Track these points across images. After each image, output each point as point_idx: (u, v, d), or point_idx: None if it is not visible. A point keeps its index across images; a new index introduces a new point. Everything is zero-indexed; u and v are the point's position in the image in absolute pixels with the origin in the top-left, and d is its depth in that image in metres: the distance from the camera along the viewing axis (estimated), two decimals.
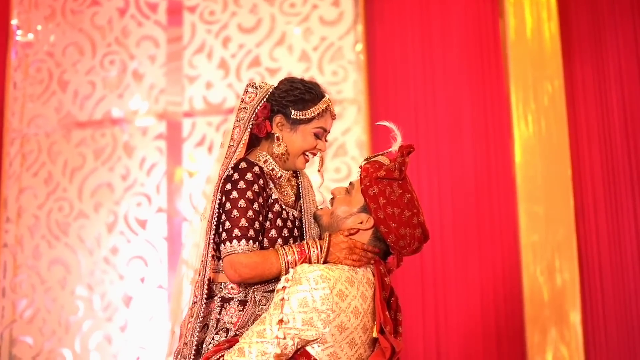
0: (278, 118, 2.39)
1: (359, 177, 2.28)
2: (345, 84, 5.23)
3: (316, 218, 2.37)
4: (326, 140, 2.47)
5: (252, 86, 2.43)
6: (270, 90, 2.44)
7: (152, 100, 5.43)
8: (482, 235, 5.00)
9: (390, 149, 2.34)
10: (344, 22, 5.26)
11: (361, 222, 2.24)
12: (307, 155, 2.46)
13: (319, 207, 2.52)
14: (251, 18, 5.35)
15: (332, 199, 2.34)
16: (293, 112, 2.38)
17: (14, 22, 5.63)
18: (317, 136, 2.42)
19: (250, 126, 2.38)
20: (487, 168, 5.11)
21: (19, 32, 5.63)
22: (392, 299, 2.28)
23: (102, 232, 5.35)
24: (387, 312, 2.17)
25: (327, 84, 5.23)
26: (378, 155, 2.34)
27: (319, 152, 2.48)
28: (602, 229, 4.95)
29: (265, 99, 2.41)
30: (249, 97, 2.41)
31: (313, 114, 2.38)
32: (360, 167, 2.32)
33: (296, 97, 2.39)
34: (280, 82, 2.47)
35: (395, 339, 2.16)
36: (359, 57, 5.21)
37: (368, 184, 2.23)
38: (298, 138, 2.40)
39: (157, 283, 5.24)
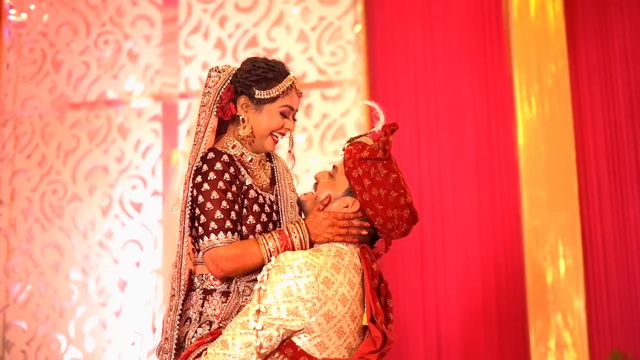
0: (242, 99, 2.34)
1: (343, 160, 2.21)
2: (344, 64, 5.13)
3: (300, 204, 2.31)
4: (294, 120, 2.41)
5: (215, 70, 2.38)
6: (234, 72, 2.37)
7: (147, 81, 5.33)
8: (484, 220, 4.92)
9: (373, 129, 2.25)
10: (342, 2, 5.14)
11: (346, 206, 2.17)
12: (276, 136, 2.37)
13: (294, 190, 2.47)
14: None
15: (316, 183, 2.27)
16: (257, 91, 2.32)
17: (6, 1, 5.52)
18: (283, 115, 2.35)
19: (215, 110, 2.32)
20: (489, 151, 5.01)
21: (11, 11, 5.52)
22: (382, 285, 2.19)
23: (96, 216, 5.26)
24: (377, 302, 2.10)
25: (326, 64, 5.13)
26: (361, 136, 2.27)
27: (288, 132, 2.40)
28: (606, 213, 4.86)
29: (228, 81, 2.35)
30: (212, 81, 2.35)
31: (277, 92, 2.32)
32: (343, 149, 2.25)
33: (259, 76, 2.32)
34: (243, 63, 2.40)
35: (387, 329, 2.09)
36: (358, 38, 5.10)
37: (352, 165, 2.16)
38: (264, 118, 2.33)
39: (152, 267, 5.15)
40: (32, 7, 5.51)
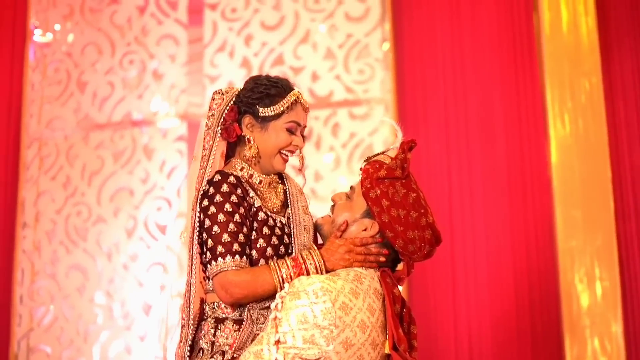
0: (247, 119, 2.28)
1: (360, 180, 2.14)
2: (372, 82, 5.04)
3: (317, 227, 2.24)
4: (303, 136, 2.33)
5: (219, 92, 2.34)
6: (237, 93, 2.32)
7: (173, 100, 5.28)
8: (516, 241, 4.79)
9: (392, 147, 2.18)
10: (370, 19, 5.06)
11: (365, 229, 2.09)
12: (285, 154, 2.31)
13: (308, 212, 2.38)
14: (274, 15, 5.16)
15: (333, 205, 2.20)
16: (261, 109, 2.26)
17: (31, 21, 5.50)
18: (290, 132, 2.28)
19: (219, 132, 2.27)
20: (522, 170, 4.88)
21: (37, 31, 5.50)
22: (404, 310, 2.10)
23: (121, 238, 5.19)
24: (400, 329, 2.02)
25: (353, 82, 5.05)
26: (379, 154, 2.19)
27: (297, 150, 2.32)
28: None
29: (232, 102, 2.29)
30: (216, 104, 2.31)
31: (282, 108, 2.26)
32: (361, 169, 2.18)
33: (262, 94, 2.27)
34: (246, 82, 2.35)
35: (411, 357, 2.00)
36: (386, 55, 5.01)
37: (369, 185, 2.09)
38: (270, 136, 2.27)
39: (176, 290, 5.07)
40: (57, 27, 5.49)
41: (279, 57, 5.14)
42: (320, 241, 2.32)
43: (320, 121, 5.00)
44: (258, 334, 2.09)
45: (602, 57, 4.82)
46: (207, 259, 2.13)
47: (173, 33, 5.32)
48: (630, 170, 4.79)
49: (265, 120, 2.26)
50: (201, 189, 2.19)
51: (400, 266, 2.17)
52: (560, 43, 4.88)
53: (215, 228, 2.11)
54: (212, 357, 2.13)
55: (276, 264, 2.11)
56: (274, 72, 5.07)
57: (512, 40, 4.95)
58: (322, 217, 2.25)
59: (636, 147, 4.77)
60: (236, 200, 2.15)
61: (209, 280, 2.19)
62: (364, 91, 5.05)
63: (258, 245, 2.17)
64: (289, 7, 5.16)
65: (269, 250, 2.18)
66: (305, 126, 2.34)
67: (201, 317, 2.20)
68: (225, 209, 2.13)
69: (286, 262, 2.10)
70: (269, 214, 2.23)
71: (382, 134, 4.99)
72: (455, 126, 4.97)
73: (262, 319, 2.15)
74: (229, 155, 2.33)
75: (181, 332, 2.20)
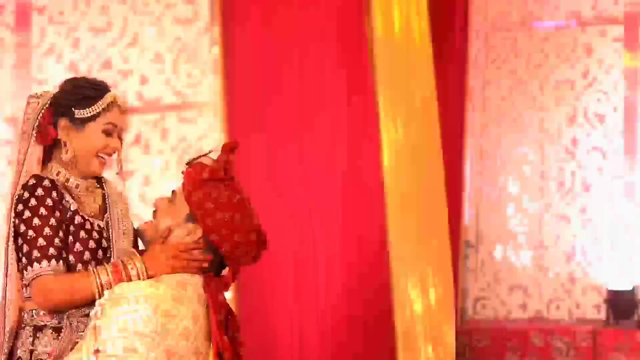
0: (63, 122, 2.21)
1: (181, 184, 2.10)
2: (200, 86, 5.08)
3: (139, 233, 2.20)
4: (121, 139, 2.30)
5: (34, 96, 2.27)
6: (53, 95, 2.26)
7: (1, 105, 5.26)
8: (349, 247, 4.77)
9: (210, 150, 2.17)
10: (199, 23, 5.09)
11: (188, 234, 2.05)
12: (102, 157, 2.26)
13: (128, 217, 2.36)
14: (102, 18, 5.17)
15: (155, 211, 2.15)
16: (77, 111, 2.20)
17: None
18: (107, 133, 2.25)
19: (34, 136, 2.22)
20: (355, 174, 4.87)
21: None
22: (229, 317, 2.06)
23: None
24: (224, 337, 1.98)
25: (183, 86, 5.09)
26: (200, 156, 2.15)
27: (115, 153, 2.29)
28: None
29: (47, 105, 2.23)
30: (32, 108, 2.24)
31: (98, 110, 2.21)
32: (182, 172, 2.13)
33: (79, 96, 2.21)
34: (62, 84, 2.30)
35: None
36: (216, 59, 5.02)
37: (190, 188, 2.04)
38: (87, 139, 2.22)
39: None
40: None
41: (107, 60, 5.14)
42: (142, 247, 2.29)
43: (149, 125, 5.01)
44: (78, 342, 2.05)
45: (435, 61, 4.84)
46: (23, 265, 2.09)
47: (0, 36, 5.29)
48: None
49: (82, 122, 2.22)
50: (16, 193, 2.16)
51: (225, 271, 2.15)
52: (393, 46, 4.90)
53: (30, 232, 2.08)
54: None
55: (95, 270, 2.09)
56: (101, 75, 5.02)
57: (344, 42, 4.96)
58: (144, 223, 2.20)
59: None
60: (51, 204, 2.12)
61: (26, 288, 2.16)
62: (193, 95, 5.05)
63: (75, 249, 2.14)
64: (118, 11, 5.16)
65: (87, 255, 2.15)
66: (123, 128, 2.31)
67: (19, 326, 2.16)
68: (40, 213, 2.10)
69: (106, 268, 2.08)
70: (86, 217, 2.21)
71: (211, 138, 4.98)
72: (285, 130, 4.97)
73: (82, 326, 2.10)
74: (45, 161, 2.29)
75: None
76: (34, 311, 2.14)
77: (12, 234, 2.13)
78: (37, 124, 2.21)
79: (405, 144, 4.75)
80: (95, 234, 2.19)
